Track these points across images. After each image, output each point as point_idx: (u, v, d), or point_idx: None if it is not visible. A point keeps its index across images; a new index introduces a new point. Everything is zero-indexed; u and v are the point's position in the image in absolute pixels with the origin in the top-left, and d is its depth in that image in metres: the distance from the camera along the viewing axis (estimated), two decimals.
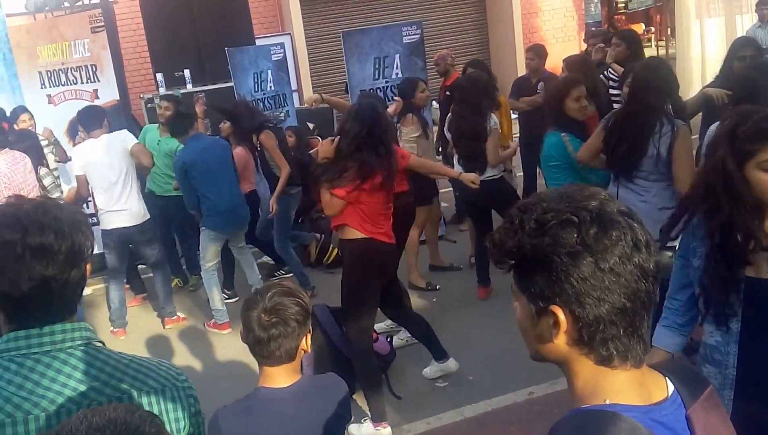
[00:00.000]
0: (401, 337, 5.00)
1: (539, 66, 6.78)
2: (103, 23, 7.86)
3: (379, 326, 4.86)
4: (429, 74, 7.37)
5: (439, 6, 13.72)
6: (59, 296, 1.31)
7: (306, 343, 2.07)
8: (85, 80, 8.24)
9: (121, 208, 5.45)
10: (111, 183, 5.41)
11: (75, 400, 1.29)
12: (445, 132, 5.54)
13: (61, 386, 1.29)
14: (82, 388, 1.30)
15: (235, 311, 5.50)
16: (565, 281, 1.05)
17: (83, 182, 5.47)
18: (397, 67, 7.11)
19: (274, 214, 5.99)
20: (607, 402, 1.07)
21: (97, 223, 5.66)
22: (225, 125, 6.44)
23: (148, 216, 5.69)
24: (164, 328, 5.95)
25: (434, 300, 5.80)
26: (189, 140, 5.47)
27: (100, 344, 1.39)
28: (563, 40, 13.55)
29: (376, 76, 7.06)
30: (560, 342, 1.10)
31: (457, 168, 5.26)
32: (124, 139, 5.54)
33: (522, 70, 12.09)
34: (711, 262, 2.05)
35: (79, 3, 8.17)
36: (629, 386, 1.09)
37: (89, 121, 5.56)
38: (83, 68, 8.20)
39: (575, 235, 1.05)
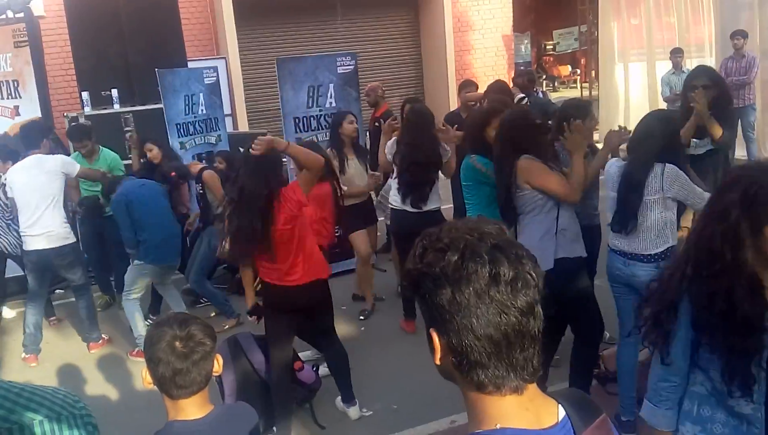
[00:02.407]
0: (326, 366, 4.93)
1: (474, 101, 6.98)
2: (26, 38, 7.62)
3: (304, 354, 4.81)
4: (362, 105, 7.43)
5: (376, 39, 13.93)
6: None
7: (218, 363, 2.02)
8: (5, 96, 7.94)
9: (40, 230, 5.32)
10: (33, 205, 5.29)
11: None
12: (389, 160, 5.45)
13: None
14: None
15: None
16: (432, 307, 1.11)
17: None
18: (331, 96, 7.14)
19: None
20: (498, 427, 1.10)
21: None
22: (153, 152, 6.34)
23: (72, 240, 5.55)
24: (89, 352, 5.76)
25: (362, 329, 5.77)
26: (125, 180, 5.58)
27: None
28: (494, 77, 13.92)
29: (310, 105, 7.06)
30: (446, 364, 1.14)
31: (394, 197, 5.35)
32: (63, 162, 5.51)
33: (454, 105, 12.40)
34: (727, 341, 1.88)
35: (3, 16, 7.88)
36: (516, 411, 1.11)
37: (28, 139, 5.58)
38: (4, 84, 7.92)
39: (441, 264, 1.10)
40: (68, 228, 5.53)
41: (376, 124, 7.22)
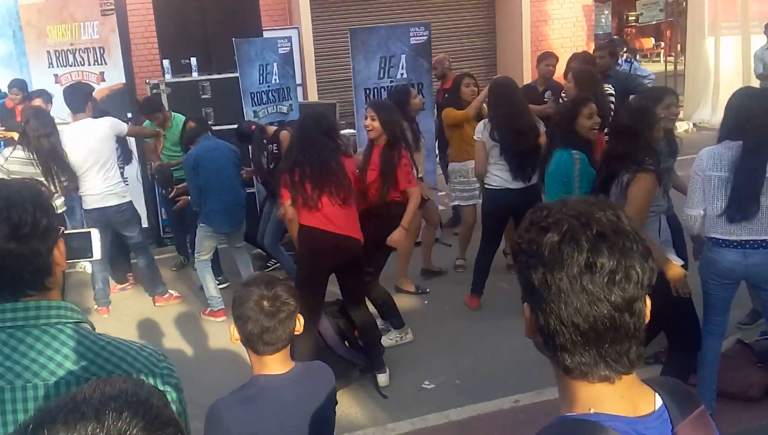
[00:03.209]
0: (390, 337, 5.03)
1: (553, 74, 6.85)
2: (113, 6, 7.90)
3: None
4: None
5: (448, 8, 13.71)
6: (15, 272, 1.33)
7: (300, 323, 2.13)
8: (92, 62, 8.27)
9: (98, 190, 5.63)
10: (89, 167, 5.57)
11: (74, 373, 1.33)
12: (486, 136, 5.27)
13: (63, 358, 1.33)
14: (71, 365, 1.34)
15: (227, 297, 5.65)
16: (526, 283, 1.11)
17: None
18: (402, 68, 7.11)
19: None
20: (592, 411, 1.08)
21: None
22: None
23: (128, 198, 5.87)
24: (155, 305, 6.05)
25: (425, 303, 5.81)
26: (202, 139, 5.70)
27: (88, 326, 1.42)
28: (572, 49, 13.51)
29: (381, 75, 7.05)
30: (535, 340, 1.14)
31: (494, 177, 5.27)
32: (111, 125, 5.76)
33: (528, 78, 12.14)
34: None
35: None
36: (611, 397, 1.09)
37: (74, 102, 5.76)
38: (91, 50, 8.23)
39: (540, 243, 1.08)
40: (124, 186, 5.87)
41: (445, 95, 7.22)
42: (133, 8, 9.98)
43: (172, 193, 6.25)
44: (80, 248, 1.56)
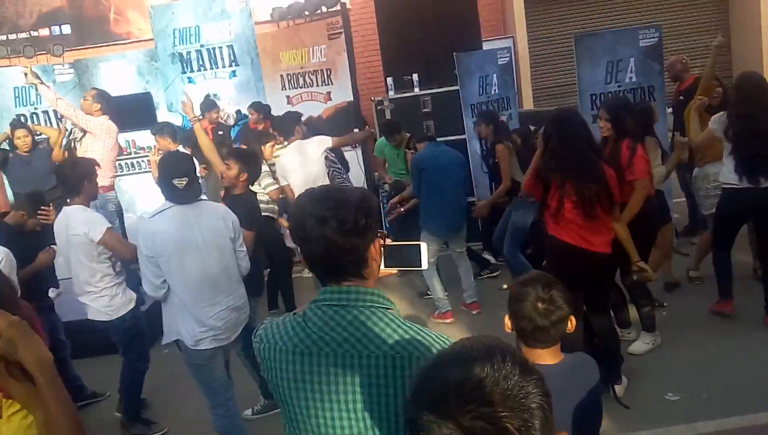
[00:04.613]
0: (646, 341, 4.84)
1: None
2: (340, 30, 8.39)
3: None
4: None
5: (675, 7, 12.78)
6: (339, 259, 1.60)
7: (571, 324, 2.23)
8: (320, 83, 8.84)
9: None
10: (305, 184, 5.75)
11: (396, 349, 1.55)
12: (721, 135, 4.99)
13: (387, 336, 1.57)
14: (392, 341, 1.56)
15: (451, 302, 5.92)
16: None
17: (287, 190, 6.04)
18: (631, 71, 6.72)
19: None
20: None
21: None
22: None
23: None
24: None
25: (664, 314, 5.41)
26: (430, 145, 5.87)
27: (394, 312, 1.64)
28: None
29: (608, 80, 6.72)
30: None
31: (729, 177, 4.95)
32: (318, 142, 6.10)
33: None
34: None
35: (318, 11, 8.76)
36: None
37: (284, 129, 6.31)
38: (319, 72, 8.81)
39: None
40: None
41: (681, 97, 6.87)
42: (354, 30, 10.52)
43: (396, 199, 6.46)
44: (410, 258, 1.77)
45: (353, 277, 1.62)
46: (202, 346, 3.65)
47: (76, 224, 4.13)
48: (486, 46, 9.02)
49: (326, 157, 6.23)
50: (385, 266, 1.72)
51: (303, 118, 6.89)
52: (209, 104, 7.74)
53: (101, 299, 4.27)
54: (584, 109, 6.64)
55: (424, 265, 1.76)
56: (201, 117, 6.27)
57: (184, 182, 3.50)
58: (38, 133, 7.84)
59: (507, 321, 2.26)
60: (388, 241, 1.72)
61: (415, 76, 7.83)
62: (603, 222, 3.98)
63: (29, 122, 8.24)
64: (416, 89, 7.84)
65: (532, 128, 8.40)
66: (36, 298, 4.51)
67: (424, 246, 1.75)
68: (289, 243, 6.52)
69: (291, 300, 6.26)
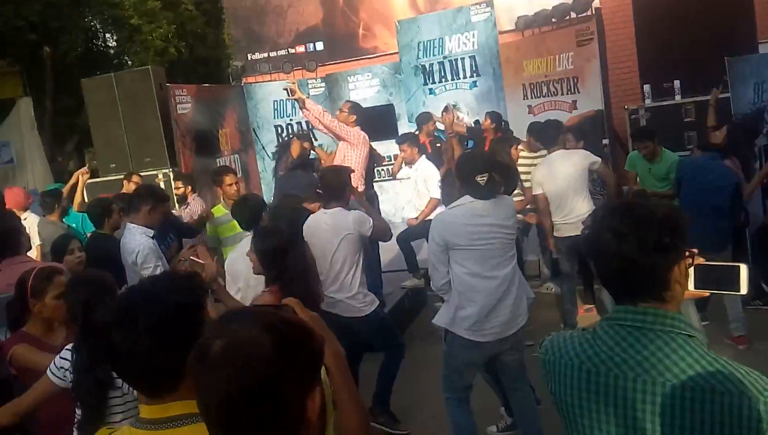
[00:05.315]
0: None
1: None
2: (590, 36, 7.91)
3: None
4: None
5: None
6: (636, 279, 1.51)
7: None
8: (564, 92, 8.41)
9: (570, 218, 5.65)
10: (566, 195, 5.64)
11: (697, 380, 1.43)
12: None
13: (687, 366, 1.45)
14: (692, 373, 1.44)
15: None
16: None
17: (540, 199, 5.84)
18: None
19: None
20: None
21: None
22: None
23: None
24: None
25: None
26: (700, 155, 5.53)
27: (698, 340, 1.50)
28: None
29: None
30: None
31: None
32: (584, 157, 5.78)
33: None
34: None
35: (567, 18, 8.33)
36: None
37: (545, 138, 6.11)
38: (564, 80, 8.39)
39: None
40: None
41: None
42: (606, 36, 9.89)
43: None
44: (726, 280, 1.60)
45: (651, 298, 1.53)
46: None
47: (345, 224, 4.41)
48: (762, 49, 7.96)
49: (589, 171, 5.83)
50: (695, 288, 1.59)
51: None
52: (425, 117, 7.64)
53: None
54: None
55: (743, 290, 1.59)
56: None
57: (485, 178, 3.71)
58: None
59: None
60: (700, 260, 1.57)
61: (676, 83, 7.14)
62: None
63: (285, 133, 8.83)
64: (677, 97, 7.18)
65: None
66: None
67: (744, 268, 1.58)
68: None
69: None
